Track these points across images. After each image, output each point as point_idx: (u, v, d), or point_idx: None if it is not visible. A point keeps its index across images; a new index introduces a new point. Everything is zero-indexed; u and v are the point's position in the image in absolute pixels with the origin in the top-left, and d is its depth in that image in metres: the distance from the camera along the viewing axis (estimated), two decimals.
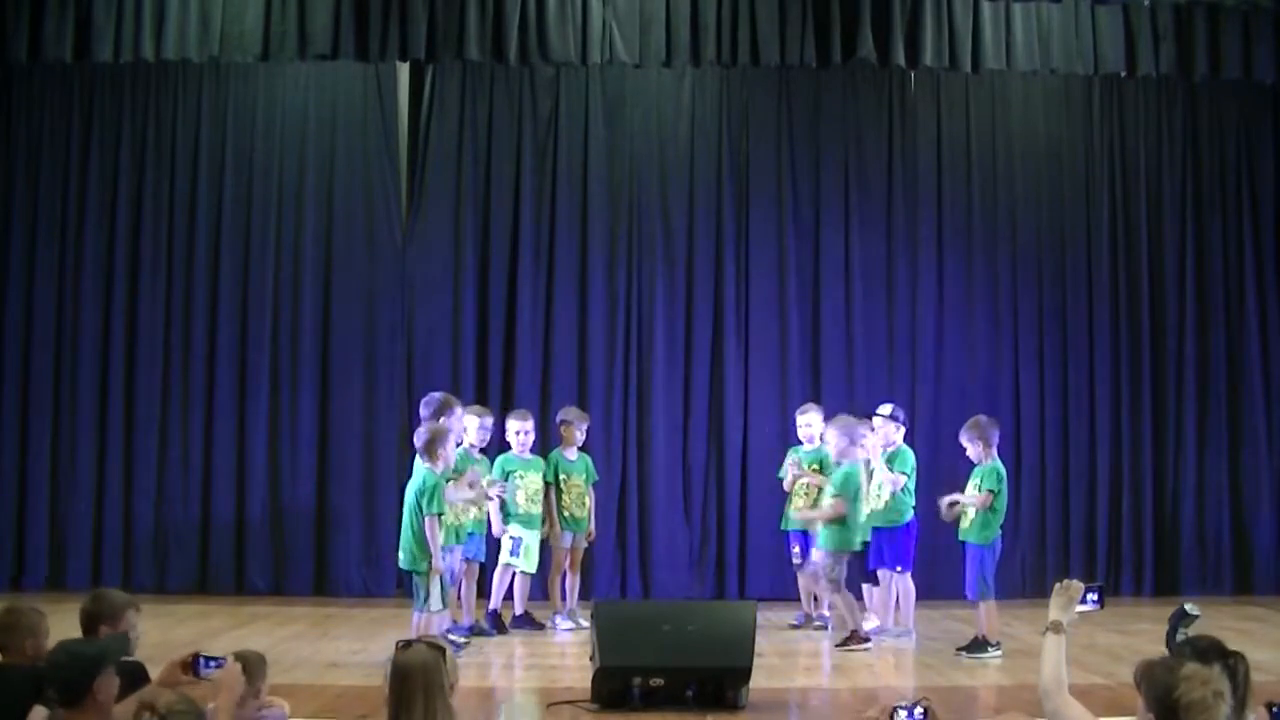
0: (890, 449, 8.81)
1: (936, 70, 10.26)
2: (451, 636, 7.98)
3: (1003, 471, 8.26)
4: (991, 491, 8.13)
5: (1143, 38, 9.96)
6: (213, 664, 4.49)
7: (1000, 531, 8.26)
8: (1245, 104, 11.39)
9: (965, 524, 8.25)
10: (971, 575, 8.19)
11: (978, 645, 8.06)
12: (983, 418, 8.49)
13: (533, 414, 9.38)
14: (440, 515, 7.53)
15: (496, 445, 9.18)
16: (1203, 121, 11.43)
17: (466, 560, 8.57)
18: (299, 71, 10.88)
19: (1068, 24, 9.94)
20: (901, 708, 4.01)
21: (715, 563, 10.67)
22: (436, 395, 8.41)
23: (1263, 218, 11.43)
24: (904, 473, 8.72)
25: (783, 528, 9.38)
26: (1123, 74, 10.48)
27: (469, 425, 8.75)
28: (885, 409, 8.95)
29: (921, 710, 3.97)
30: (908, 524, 8.75)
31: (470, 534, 8.49)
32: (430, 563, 7.45)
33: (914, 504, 8.83)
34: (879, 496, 8.79)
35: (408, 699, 3.79)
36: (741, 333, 10.98)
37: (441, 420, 8.03)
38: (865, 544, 8.99)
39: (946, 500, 8.32)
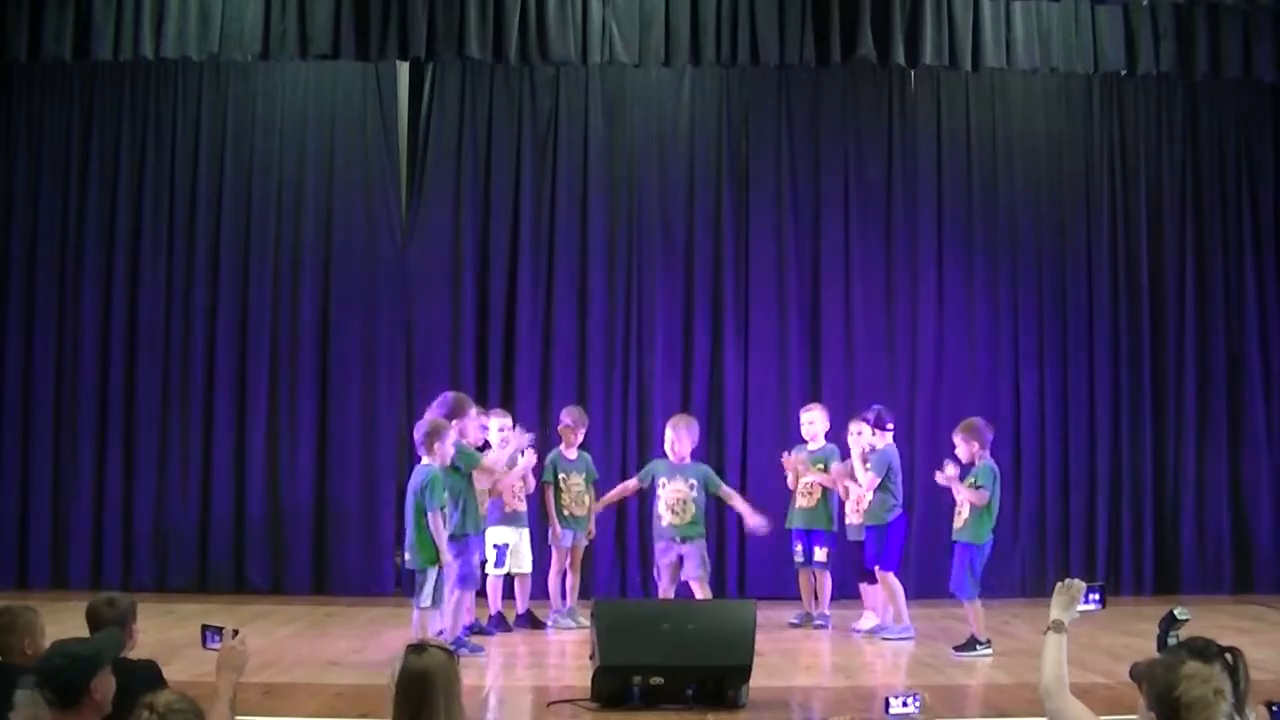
0: (878, 450, 8.83)
1: (936, 69, 10.25)
2: (470, 640, 7.99)
3: (996, 471, 8.26)
4: (985, 489, 8.14)
5: (1143, 36, 9.95)
6: (216, 637, 4.42)
7: (993, 534, 8.27)
8: (1245, 103, 11.39)
9: (959, 523, 8.27)
10: (959, 573, 8.21)
11: (968, 644, 8.07)
12: (979, 420, 8.50)
13: (533, 414, 9.38)
14: (443, 509, 7.51)
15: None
16: (1203, 121, 11.43)
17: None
18: (299, 70, 10.87)
19: (1068, 22, 9.93)
20: (895, 695, 4.04)
21: (715, 561, 10.64)
22: (450, 395, 8.38)
23: (1263, 218, 11.42)
24: (878, 473, 8.71)
25: (787, 526, 9.37)
26: (1123, 73, 10.48)
27: (490, 427, 8.79)
28: (869, 413, 8.97)
29: (915, 697, 3.99)
30: (892, 523, 8.75)
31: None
32: (439, 556, 7.41)
33: (898, 503, 8.83)
34: (867, 497, 8.81)
35: (427, 703, 3.74)
36: (741, 332, 10.98)
37: (454, 421, 8.03)
38: (860, 542, 9.04)
39: (945, 474, 8.34)
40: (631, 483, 9.27)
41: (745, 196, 11.08)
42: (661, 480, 8.93)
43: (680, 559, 8.82)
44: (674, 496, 8.85)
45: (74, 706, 3.73)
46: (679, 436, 8.98)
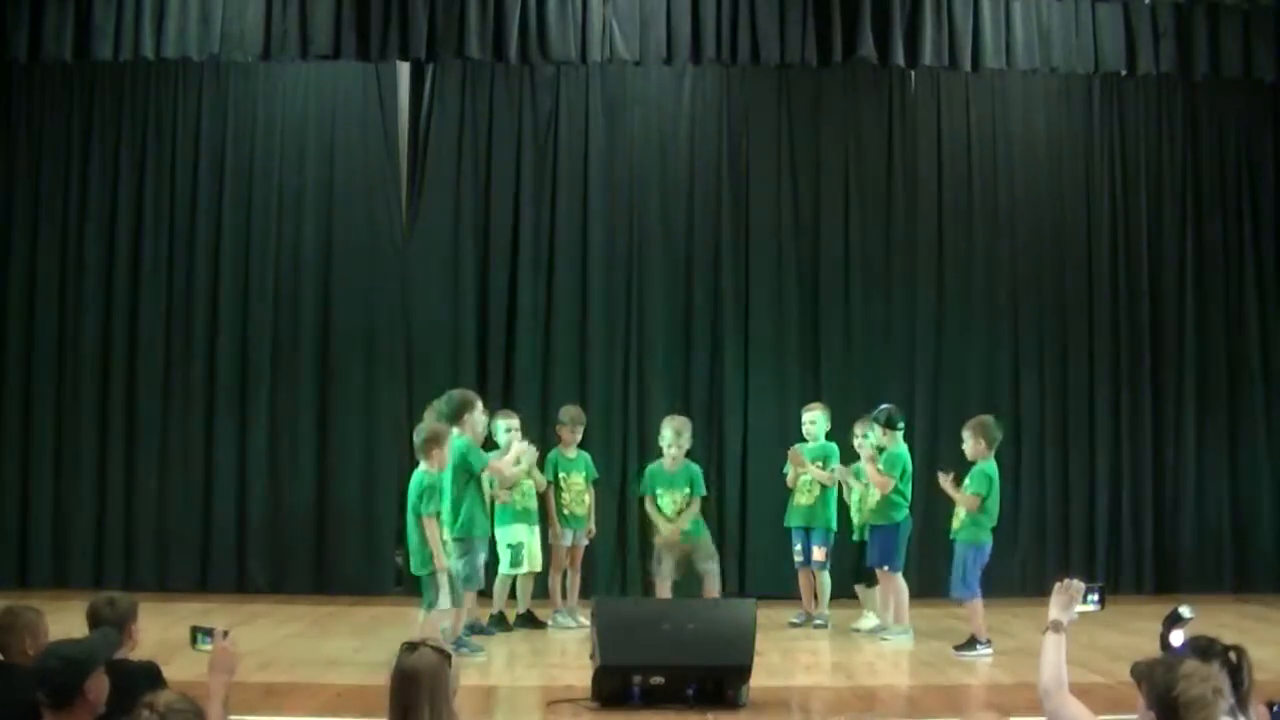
0: (890, 451, 8.81)
1: (936, 69, 10.26)
2: (469, 640, 7.98)
3: (994, 474, 8.23)
4: (978, 494, 8.13)
5: (1143, 36, 9.97)
6: (207, 638, 4.40)
7: (991, 535, 8.27)
8: (1245, 103, 11.38)
9: (955, 523, 8.27)
10: (955, 574, 8.21)
11: (969, 644, 8.07)
12: (991, 420, 8.46)
13: (533, 413, 9.36)
14: (439, 514, 7.48)
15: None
16: (1203, 120, 11.43)
17: None
18: (299, 71, 10.87)
19: (1068, 22, 9.94)
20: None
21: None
22: (456, 393, 8.33)
23: (1263, 218, 11.42)
24: (892, 475, 8.70)
25: (786, 524, 9.37)
26: (1123, 72, 10.49)
27: (498, 428, 8.78)
28: (879, 414, 8.94)
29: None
30: (898, 524, 8.74)
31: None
32: (435, 563, 7.38)
33: (907, 504, 8.82)
34: (872, 497, 8.81)
35: (413, 703, 3.73)
36: (740, 331, 10.97)
37: (465, 418, 8.00)
38: (862, 542, 9.03)
39: (946, 479, 8.34)
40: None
41: (745, 196, 11.07)
42: (659, 491, 9.00)
43: (685, 557, 8.89)
44: (673, 508, 8.96)
45: (68, 707, 3.74)
46: (677, 438, 8.98)
